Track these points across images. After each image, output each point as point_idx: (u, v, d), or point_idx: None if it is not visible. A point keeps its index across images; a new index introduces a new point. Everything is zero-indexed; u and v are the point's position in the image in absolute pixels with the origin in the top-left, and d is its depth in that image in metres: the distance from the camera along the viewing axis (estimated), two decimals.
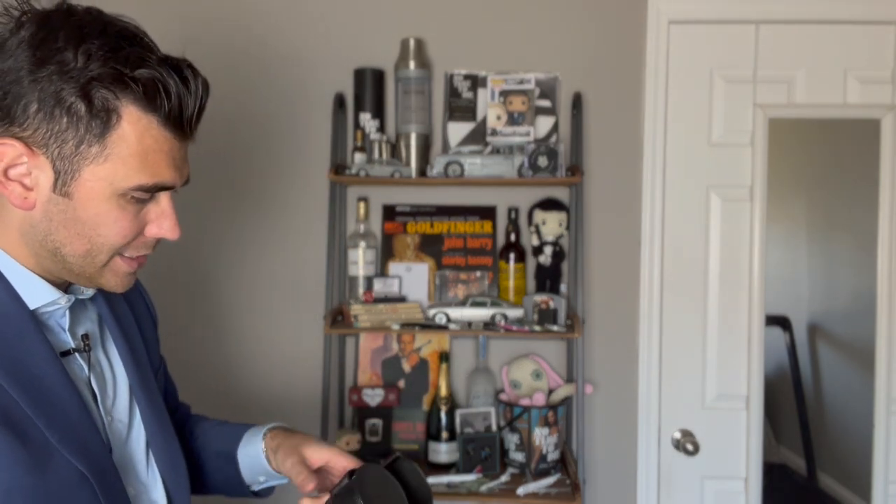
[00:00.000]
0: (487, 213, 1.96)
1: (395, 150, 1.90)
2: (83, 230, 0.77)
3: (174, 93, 0.75)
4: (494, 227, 1.96)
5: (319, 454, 0.98)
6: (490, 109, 1.88)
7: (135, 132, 0.74)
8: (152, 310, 1.09)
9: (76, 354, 0.84)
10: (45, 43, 0.71)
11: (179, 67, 0.76)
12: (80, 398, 0.81)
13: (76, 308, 0.87)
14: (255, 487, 1.07)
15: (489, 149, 1.88)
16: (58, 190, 0.74)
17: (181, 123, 0.78)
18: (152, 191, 0.78)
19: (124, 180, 0.75)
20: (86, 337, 0.86)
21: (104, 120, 0.73)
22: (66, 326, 0.85)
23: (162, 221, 0.81)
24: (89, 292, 0.88)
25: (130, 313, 0.99)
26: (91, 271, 0.80)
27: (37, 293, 0.80)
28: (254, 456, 1.03)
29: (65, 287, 0.85)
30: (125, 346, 0.93)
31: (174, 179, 0.79)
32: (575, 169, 1.80)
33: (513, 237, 1.91)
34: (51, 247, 0.78)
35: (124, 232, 0.78)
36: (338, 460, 0.97)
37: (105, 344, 0.92)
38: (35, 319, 0.80)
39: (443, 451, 1.83)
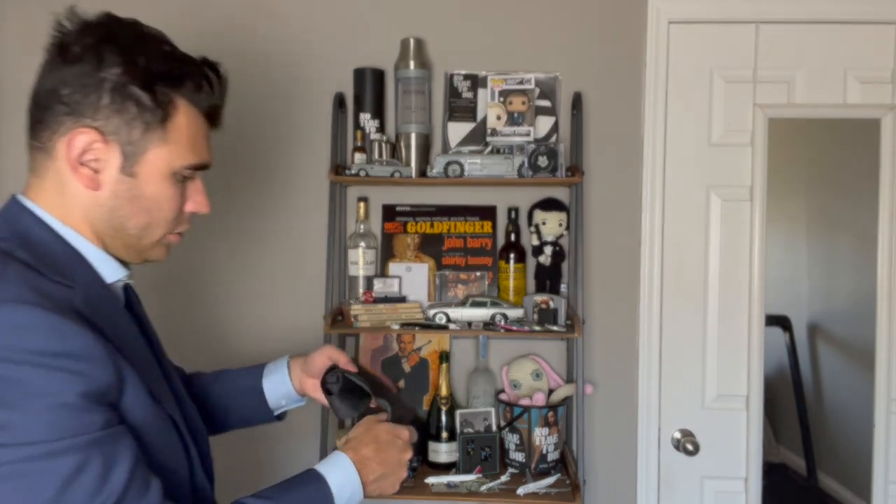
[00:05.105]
0: (487, 213, 1.96)
1: (395, 150, 1.90)
2: (145, 205, 0.89)
3: (213, 88, 0.93)
4: (494, 227, 1.96)
5: (322, 360, 1.23)
6: (490, 109, 1.88)
7: (186, 120, 0.89)
8: None
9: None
10: (110, 48, 0.84)
11: (215, 67, 0.93)
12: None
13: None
14: (277, 412, 1.28)
15: (489, 149, 1.88)
16: (125, 171, 0.87)
17: (215, 113, 0.96)
18: (196, 169, 0.93)
19: (179, 160, 0.89)
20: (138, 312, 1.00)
21: (165, 110, 0.87)
22: (123, 302, 0.96)
23: (197, 197, 0.95)
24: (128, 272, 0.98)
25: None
26: (147, 243, 0.93)
27: (109, 270, 0.91)
28: (280, 383, 1.25)
29: None
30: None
31: (210, 160, 0.96)
32: (575, 169, 1.80)
33: (513, 237, 1.91)
34: (116, 223, 0.89)
35: (177, 207, 0.92)
36: (337, 356, 1.24)
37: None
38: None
39: (443, 451, 1.83)
